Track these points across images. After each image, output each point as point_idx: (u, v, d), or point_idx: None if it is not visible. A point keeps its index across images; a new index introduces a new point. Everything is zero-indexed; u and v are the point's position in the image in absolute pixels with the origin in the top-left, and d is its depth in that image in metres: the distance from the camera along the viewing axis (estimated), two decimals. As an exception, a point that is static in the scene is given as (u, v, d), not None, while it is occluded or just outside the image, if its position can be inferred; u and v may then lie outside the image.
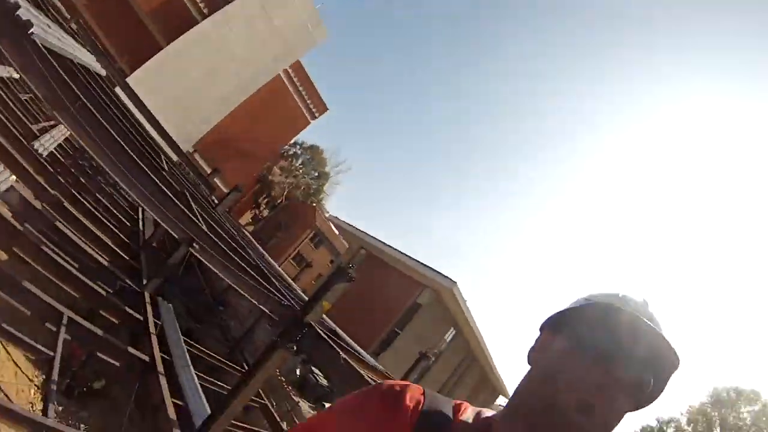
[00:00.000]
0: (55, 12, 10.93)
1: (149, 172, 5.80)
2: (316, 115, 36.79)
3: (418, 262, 21.95)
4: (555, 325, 1.03)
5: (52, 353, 4.72)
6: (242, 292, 7.67)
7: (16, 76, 7.60)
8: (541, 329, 1.08)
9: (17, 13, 4.32)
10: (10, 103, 7.75)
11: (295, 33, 32.22)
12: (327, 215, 41.83)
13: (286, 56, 32.54)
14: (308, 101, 35.79)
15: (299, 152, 46.06)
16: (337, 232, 38.16)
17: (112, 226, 9.26)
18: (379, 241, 25.67)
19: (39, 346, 4.67)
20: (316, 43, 34.00)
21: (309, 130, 39.10)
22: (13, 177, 6.55)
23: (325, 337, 8.00)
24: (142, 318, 7.83)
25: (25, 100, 9.00)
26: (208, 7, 29.17)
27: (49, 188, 7.59)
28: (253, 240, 21.26)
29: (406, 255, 22.80)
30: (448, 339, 23.75)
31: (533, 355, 1.04)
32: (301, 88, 35.17)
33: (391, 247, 24.43)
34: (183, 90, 27.65)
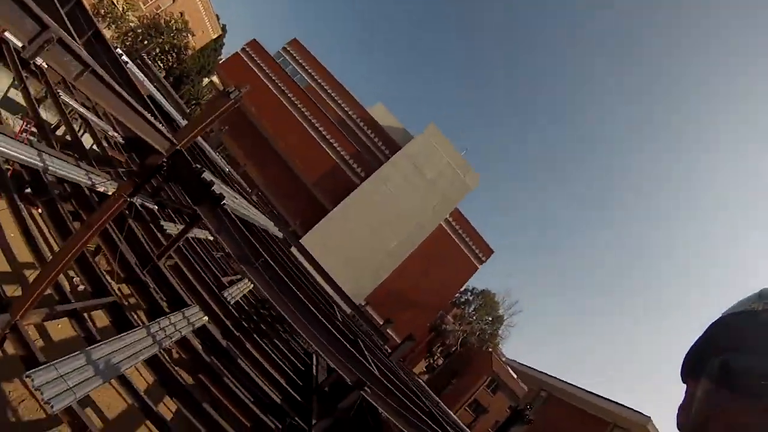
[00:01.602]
0: (239, 187, 13.35)
1: (325, 322, 6.32)
2: (483, 259, 37.12)
3: (604, 398, 19.46)
4: (699, 366, 0.72)
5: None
6: (415, 438, 7.45)
7: (211, 237, 9.34)
8: (684, 379, 0.77)
9: (212, 188, 5.47)
10: (206, 260, 9.43)
11: (449, 182, 34.68)
12: (503, 359, 39.63)
13: (444, 206, 34.65)
14: (473, 247, 36.56)
15: (471, 299, 45.87)
16: (515, 375, 35.68)
17: (286, 368, 9.99)
18: (560, 380, 23.54)
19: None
20: (471, 188, 35.76)
21: (478, 274, 39.16)
22: (206, 318, 7.73)
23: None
24: (308, 454, 7.87)
25: (218, 257, 10.92)
26: (365, 171, 33.28)
27: (234, 330, 8.70)
28: (427, 388, 20.76)
29: (590, 392, 20.39)
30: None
31: (682, 420, 0.74)
32: (464, 235, 36.37)
33: (572, 385, 22.13)
34: (351, 247, 30.66)
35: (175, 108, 12.01)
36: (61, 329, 6.06)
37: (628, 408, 18.37)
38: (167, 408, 6.26)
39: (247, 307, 10.77)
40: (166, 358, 5.97)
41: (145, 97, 6.18)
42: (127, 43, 36.51)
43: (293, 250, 16.16)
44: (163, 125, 5.20)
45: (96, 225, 4.79)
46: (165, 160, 5.25)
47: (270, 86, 35.62)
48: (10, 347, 4.45)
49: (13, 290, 5.04)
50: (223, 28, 49.00)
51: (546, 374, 25.03)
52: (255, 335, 9.59)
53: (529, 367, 27.73)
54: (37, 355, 4.11)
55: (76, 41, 3.75)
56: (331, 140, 34.33)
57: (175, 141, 5.25)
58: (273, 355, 9.79)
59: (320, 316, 6.51)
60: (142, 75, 10.44)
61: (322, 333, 6.42)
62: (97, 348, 4.40)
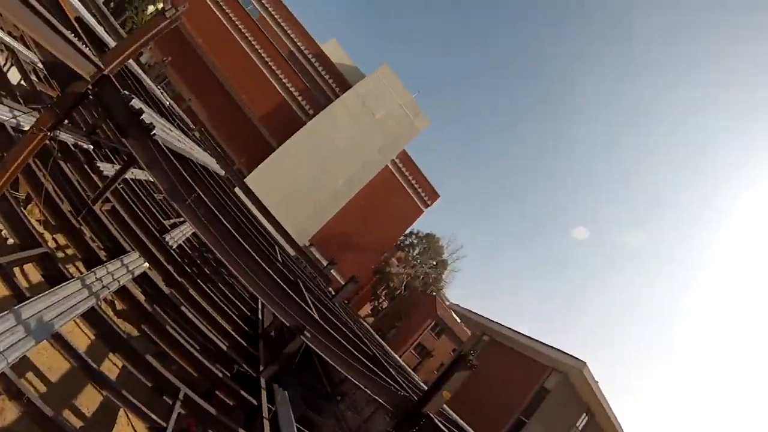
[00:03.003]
0: (181, 122, 12.51)
1: (262, 263, 6.04)
2: (429, 203, 37.57)
3: (543, 343, 20.79)
4: None
5: (165, 424, 4.86)
6: (355, 381, 7.55)
7: (152, 178, 8.72)
8: None
9: (141, 117, 4.96)
10: (147, 201, 8.87)
11: (398, 124, 34.47)
12: (447, 303, 41.19)
13: (391, 147, 34.60)
14: (419, 190, 36.84)
15: (415, 242, 46.71)
16: (458, 320, 37.27)
17: (232, 314, 9.76)
18: (502, 325, 24.83)
19: (153, 416, 4.85)
20: (420, 131, 35.69)
21: (423, 218, 39.81)
22: (146, 264, 7.30)
23: (444, 429, 7.36)
24: (256, 402, 7.88)
25: (160, 199, 10.33)
26: (313, 108, 32.48)
27: (177, 276, 8.33)
28: (372, 330, 21.24)
29: (530, 338, 21.68)
30: (580, 426, 21.24)
31: None
32: (411, 178, 36.50)
33: (514, 330, 23.37)
34: (296, 187, 30.27)
35: (113, 35, 10.89)
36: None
37: (565, 353, 19.62)
38: (113, 364, 5.93)
39: (190, 251, 10.35)
40: (105, 310, 5.60)
41: (72, 18, 5.44)
42: (63, -39, 32.32)
43: (237, 190, 15.60)
44: (89, 48, 4.58)
45: (13, 164, 4.24)
46: (90, 87, 4.66)
47: (219, 15, 33.32)
48: None
49: None
50: (174, -49, 44.58)
51: (488, 319, 26.31)
52: (199, 281, 9.24)
53: (472, 312, 29.07)
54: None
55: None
56: (280, 75, 32.84)
57: (101, 65, 4.65)
58: (218, 300, 9.52)
59: (257, 256, 6.29)
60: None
61: (258, 274, 6.20)
62: (27, 305, 3.99)
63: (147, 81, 11.56)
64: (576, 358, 19.16)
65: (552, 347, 20.30)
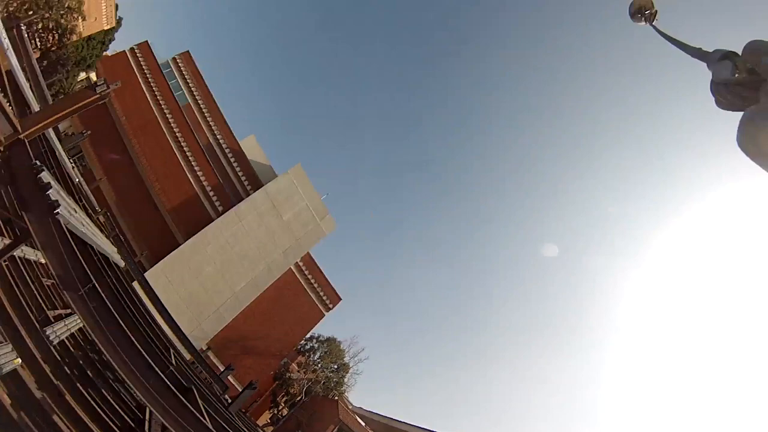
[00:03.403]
0: (87, 203, 11.56)
1: (155, 367, 5.55)
2: (330, 306, 37.10)
3: None
4: None
5: None
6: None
7: (44, 260, 7.71)
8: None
9: (48, 192, 4.46)
10: (32, 286, 7.74)
11: (304, 226, 34.78)
12: (351, 407, 39.20)
13: (296, 250, 34.42)
14: (321, 294, 36.42)
15: (316, 346, 45.37)
16: (362, 423, 35.34)
17: (114, 426, 8.44)
18: (409, 424, 24.10)
19: None
20: (326, 234, 36.07)
21: (325, 321, 38.89)
22: (19, 360, 6.17)
23: None
24: None
25: (48, 285, 9.06)
26: (223, 205, 31.85)
27: (53, 378, 7.10)
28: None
29: (436, 432, 20.93)
30: None
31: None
32: (313, 281, 36.11)
33: (422, 429, 22.62)
34: (198, 286, 28.74)
35: (37, 95, 10.13)
36: None
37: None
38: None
39: (73, 349, 9.04)
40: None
41: (2, 70, 4.99)
42: (10, 9, 28.50)
43: (135, 284, 14.39)
44: (11, 107, 4.15)
45: None
46: (1, 149, 4.22)
47: (148, 96, 32.66)
48: None
49: None
50: (119, 22, 42.44)
51: (394, 419, 25.37)
52: (78, 384, 8.00)
53: (377, 413, 27.91)
54: None
55: None
56: (196, 168, 32.17)
57: (19, 128, 4.23)
58: (98, 409, 8.22)
59: (150, 360, 5.74)
60: (10, 46, 8.68)
61: (149, 379, 5.71)
62: None
63: (60, 152, 10.76)
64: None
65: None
